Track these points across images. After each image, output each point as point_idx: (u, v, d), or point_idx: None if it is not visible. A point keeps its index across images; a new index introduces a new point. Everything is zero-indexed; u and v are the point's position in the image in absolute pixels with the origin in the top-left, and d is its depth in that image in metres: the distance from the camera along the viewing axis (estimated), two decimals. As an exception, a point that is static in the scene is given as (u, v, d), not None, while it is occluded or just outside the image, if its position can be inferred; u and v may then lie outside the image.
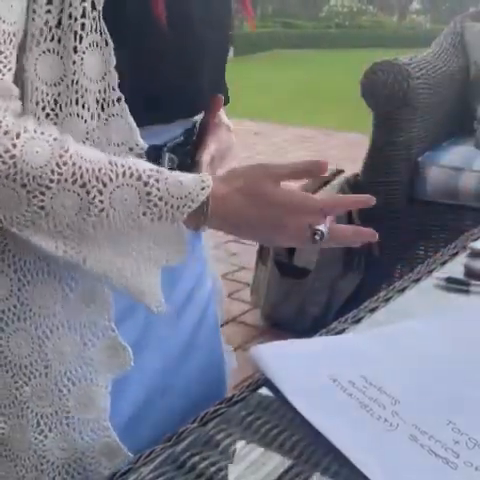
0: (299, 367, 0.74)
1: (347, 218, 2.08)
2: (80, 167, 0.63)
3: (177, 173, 0.66)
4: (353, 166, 2.21)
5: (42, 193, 0.62)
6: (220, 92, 0.83)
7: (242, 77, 10.44)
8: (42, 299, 0.69)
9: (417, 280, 1.02)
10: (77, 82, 0.64)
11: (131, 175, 0.64)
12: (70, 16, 0.63)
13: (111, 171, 0.64)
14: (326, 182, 2.16)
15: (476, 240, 1.17)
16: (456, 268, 1.05)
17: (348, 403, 0.68)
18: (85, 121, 0.66)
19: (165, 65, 0.71)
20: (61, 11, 0.63)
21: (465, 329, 0.85)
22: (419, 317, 0.87)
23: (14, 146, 0.61)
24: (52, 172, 0.62)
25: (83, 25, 0.63)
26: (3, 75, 0.62)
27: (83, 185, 0.63)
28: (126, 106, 0.67)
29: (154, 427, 0.77)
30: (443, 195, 2.06)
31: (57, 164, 0.62)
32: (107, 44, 0.65)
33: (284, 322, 2.14)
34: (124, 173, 0.64)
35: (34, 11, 0.62)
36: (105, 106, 0.66)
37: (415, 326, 0.85)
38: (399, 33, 19.13)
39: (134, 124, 0.68)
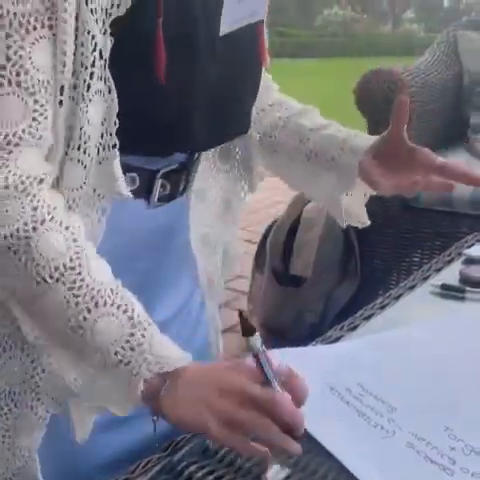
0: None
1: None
2: (82, 280, 0.63)
3: (165, 337, 0.65)
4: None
5: (37, 283, 0.62)
6: (222, 130, 0.82)
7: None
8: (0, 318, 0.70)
9: (412, 287, 1.02)
10: (81, 128, 0.65)
11: (125, 311, 0.63)
12: (81, 64, 0.63)
13: (109, 297, 0.63)
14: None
15: (471, 247, 1.18)
16: (451, 275, 1.05)
17: (345, 411, 0.69)
18: (85, 167, 0.66)
19: (159, 110, 0.71)
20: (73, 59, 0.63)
21: (461, 336, 0.86)
22: (415, 324, 0.87)
23: (34, 230, 0.62)
24: (56, 269, 0.62)
25: (92, 74, 0.63)
26: (39, 124, 0.62)
27: (76, 296, 0.62)
28: (118, 154, 0.67)
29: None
30: (438, 202, 2.07)
31: (63, 265, 0.62)
32: (110, 91, 0.65)
33: (281, 330, 2.14)
34: (119, 306, 0.63)
35: (55, 56, 0.62)
36: (101, 150, 0.67)
37: (411, 333, 0.85)
38: (393, 41, 19.20)
39: (120, 172, 0.68)
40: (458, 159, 2.17)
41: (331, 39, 18.53)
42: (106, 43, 0.63)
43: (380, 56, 13.90)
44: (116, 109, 0.65)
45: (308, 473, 0.61)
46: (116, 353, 0.62)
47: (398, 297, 0.98)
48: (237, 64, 0.78)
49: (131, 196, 0.69)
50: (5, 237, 0.61)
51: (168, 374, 0.62)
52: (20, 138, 0.61)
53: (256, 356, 0.59)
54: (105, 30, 0.63)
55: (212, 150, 0.87)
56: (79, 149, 0.65)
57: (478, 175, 0.81)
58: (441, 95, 2.22)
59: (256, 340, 0.59)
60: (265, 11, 0.82)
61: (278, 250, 2.14)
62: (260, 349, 0.58)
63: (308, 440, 0.63)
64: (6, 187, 0.61)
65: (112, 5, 0.63)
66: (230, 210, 0.96)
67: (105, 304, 0.63)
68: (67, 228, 0.63)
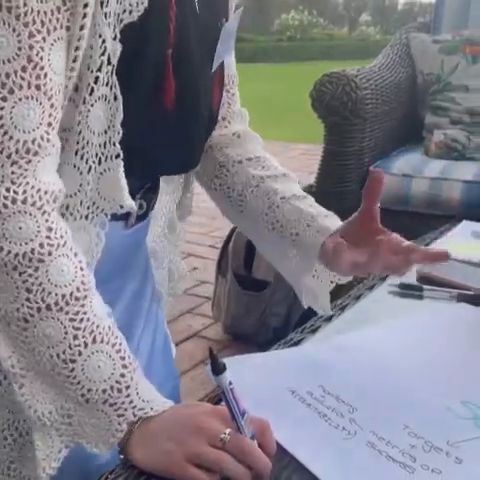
0: (259, 380, 0.74)
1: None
2: (85, 312, 0.61)
3: (146, 380, 0.64)
4: (310, 177, 2.23)
5: (39, 309, 0.59)
6: (201, 153, 0.83)
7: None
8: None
9: (371, 287, 1.03)
10: (80, 133, 0.62)
11: (118, 351, 0.62)
12: (88, 67, 0.61)
13: (106, 335, 0.62)
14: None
15: (428, 246, 1.19)
16: (409, 274, 1.07)
17: (306, 413, 0.69)
18: (81, 173, 0.64)
19: (161, 135, 0.70)
20: (81, 60, 0.61)
21: (419, 334, 0.87)
22: (374, 324, 0.88)
23: (49, 254, 0.59)
24: (63, 297, 0.60)
25: (96, 78, 0.61)
26: (53, 129, 0.60)
27: (77, 328, 0.60)
28: (122, 163, 0.65)
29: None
30: (395, 202, 2.09)
31: (70, 294, 0.60)
32: (116, 98, 0.63)
33: (246, 335, 2.14)
34: (114, 345, 0.62)
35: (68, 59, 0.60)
36: (103, 160, 0.64)
37: (370, 333, 0.86)
38: (350, 44, 19.46)
39: (125, 184, 0.66)
40: (414, 157, 2.20)
41: (289, 43, 18.67)
42: (115, 49, 0.62)
43: (337, 59, 14.07)
44: (121, 118, 0.63)
45: (271, 477, 0.60)
46: (104, 391, 0.61)
47: (358, 297, 0.99)
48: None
49: (136, 208, 0.68)
50: (15, 255, 0.58)
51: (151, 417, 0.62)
52: (39, 145, 0.58)
53: (223, 394, 0.59)
54: (115, 35, 0.62)
55: None
56: (76, 154, 0.63)
57: (439, 252, 0.76)
58: (395, 96, 2.25)
59: (225, 378, 0.58)
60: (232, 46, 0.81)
61: (240, 255, 2.14)
62: (227, 388, 0.58)
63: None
64: (24, 201, 0.58)
65: (124, 10, 0.62)
66: (174, 230, 0.94)
67: (102, 341, 0.61)
68: (76, 255, 0.61)
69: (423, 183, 2.06)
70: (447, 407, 0.69)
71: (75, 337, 0.60)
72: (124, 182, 0.66)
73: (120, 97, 0.63)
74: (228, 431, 0.59)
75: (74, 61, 0.60)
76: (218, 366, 0.58)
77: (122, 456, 0.62)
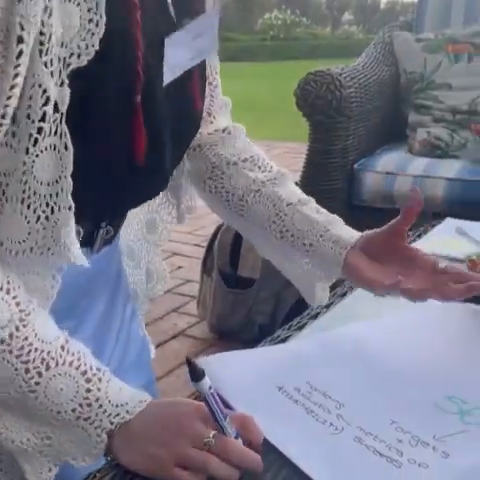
0: (246, 378, 0.74)
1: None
2: (30, 344, 0.60)
3: (118, 381, 0.63)
4: (295, 175, 2.24)
5: None
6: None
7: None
8: None
9: (357, 285, 1.04)
10: (26, 182, 0.59)
11: (77, 367, 0.61)
12: (28, 117, 0.57)
13: (60, 357, 0.61)
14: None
15: (412, 243, 1.20)
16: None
17: (294, 410, 0.69)
18: (28, 222, 0.61)
19: (128, 183, 0.68)
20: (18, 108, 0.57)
21: (405, 330, 0.87)
22: (360, 321, 0.89)
23: None
24: (2, 341, 0.59)
25: (40, 129, 0.57)
26: None
27: (26, 362, 0.60)
28: (72, 217, 0.62)
29: None
30: (380, 200, 2.11)
31: (10, 335, 0.59)
32: (67, 148, 0.59)
33: (232, 333, 2.14)
34: (71, 363, 0.61)
35: None
36: (56, 210, 0.61)
37: (356, 330, 0.87)
38: (333, 43, 19.51)
39: (75, 239, 0.63)
40: (398, 155, 2.22)
41: (272, 43, 18.69)
42: (63, 95, 0.57)
43: (321, 58, 14.10)
44: (71, 169, 0.59)
45: (261, 472, 0.61)
46: (74, 410, 0.61)
47: (343, 295, 0.99)
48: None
49: (88, 265, 0.65)
50: None
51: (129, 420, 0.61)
52: None
53: (205, 400, 0.59)
54: (62, 81, 0.57)
55: None
56: (23, 203, 0.60)
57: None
58: (379, 94, 2.27)
59: (204, 384, 0.58)
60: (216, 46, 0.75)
61: (225, 253, 2.14)
62: (208, 393, 0.59)
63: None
64: None
65: (71, 54, 0.57)
66: (155, 230, 0.91)
67: (57, 364, 0.61)
68: (8, 292, 0.60)
69: (407, 181, 2.07)
70: (433, 402, 0.70)
71: (27, 371, 0.60)
72: (74, 237, 0.63)
73: (71, 147, 0.59)
74: (212, 434, 0.59)
75: (5, 107, 0.56)
76: (197, 373, 0.58)
77: (109, 458, 0.62)
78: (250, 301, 2.10)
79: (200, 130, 0.82)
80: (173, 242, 3.27)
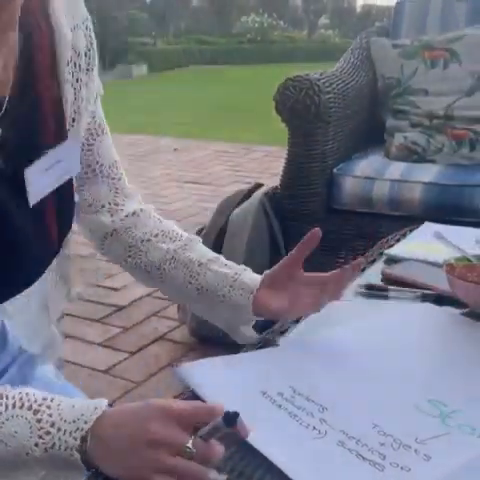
0: (229, 383, 0.75)
1: (269, 233, 2.11)
2: None
3: (73, 399, 0.65)
4: (273, 179, 2.25)
5: None
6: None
7: (159, 93, 10.43)
8: None
9: (338, 289, 1.04)
10: None
11: (21, 406, 0.62)
12: None
13: (0, 405, 0.62)
14: (247, 195, 2.18)
15: (391, 247, 1.22)
16: (374, 275, 1.09)
17: (277, 414, 0.69)
18: None
19: None
20: None
21: (386, 334, 0.88)
22: (342, 325, 0.90)
23: None
24: None
25: None
26: None
27: None
28: None
29: None
30: (359, 204, 2.12)
31: None
32: None
33: (212, 337, 2.12)
34: (14, 404, 0.62)
35: None
36: None
37: (337, 334, 0.88)
38: (309, 47, 19.57)
39: None
40: (375, 160, 2.23)
41: (249, 46, 18.70)
42: None
43: (297, 62, 14.16)
44: None
45: (244, 478, 0.61)
46: (36, 445, 0.61)
47: (324, 299, 1.00)
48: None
49: None
50: None
51: (88, 430, 0.61)
52: None
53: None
54: None
55: None
56: None
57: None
58: (357, 99, 2.28)
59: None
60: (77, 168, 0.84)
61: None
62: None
63: (243, 446, 0.64)
64: None
65: None
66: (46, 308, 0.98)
67: (0, 413, 0.62)
68: None
69: (385, 185, 2.09)
70: (415, 405, 0.71)
71: None
72: None
73: None
74: (190, 443, 0.59)
75: None
76: (232, 418, 0.59)
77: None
78: (230, 305, 2.10)
79: (112, 218, 0.94)
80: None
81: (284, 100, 1.97)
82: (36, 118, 0.76)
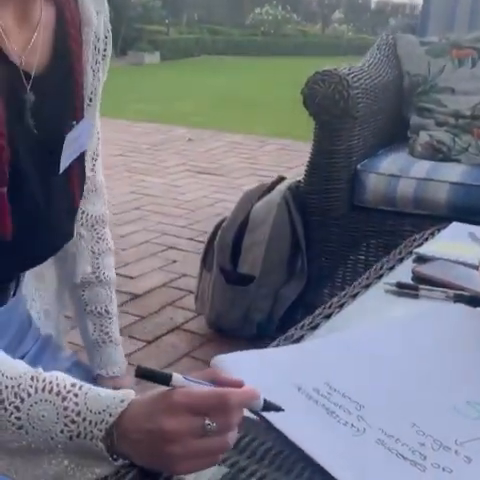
0: (264, 377, 0.74)
1: (291, 227, 2.11)
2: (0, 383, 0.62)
3: (99, 388, 0.64)
4: (289, 172, 2.24)
5: None
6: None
7: (171, 81, 10.40)
8: None
9: (367, 286, 1.04)
10: None
11: (51, 390, 0.63)
12: None
13: (30, 386, 0.63)
14: (270, 188, 2.18)
15: (420, 246, 1.21)
16: (403, 273, 1.08)
17: (315, 410, 0.69)
18: None
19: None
20: None
21: (419, 333, 0.88)
22: (373, 321, 0.89)
23: None
24: None
25: None
26: None
27: (1, 401, 0.62)
28: None
29: None
30: (382, 202, 2.10)
31: None
32: None
33: (229, 329, 2.13)
34: (44, 388, 0.63)
35: None
36: None
37: (372, 330, 0.87)
38: (322, 41, 19.45)
39: None
40: (399, 157, 2.22)
41: (262, 38, 18.61)
42: None
43: (310, 56, 14.08)
44: None
45: (283, 472, 0.61)
46: (62, 431, 0.61)
47: (355, 295, 1.00)
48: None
49: None
50: None
51: (113, 423, 0.61)
52: None
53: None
54: None
55: None
56: None
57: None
58: (383, 96, 2.26)
59: (177, 380, 0.60)
60: (89, 141, 0.89)
61: (226, 251, 2.13)
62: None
63: (280, 439, 0.64)
64: None
65: None
66: (64, 298, 1.04)
67: (30, 394, 0.62)
68: None
69: (410, 183, 2.07)
70: (453, 406, 0.70)
71: (5, 409, 0.61)
72: None
73: None
74: (208, 420, 0.59)
75: None
76: (163, 377, 0.60)
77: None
78: (249, 298, 2.10)
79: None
80: (168, 236, 3.26)
81: (312, 94, 1.95)
82: (69, 89, 0.81)
